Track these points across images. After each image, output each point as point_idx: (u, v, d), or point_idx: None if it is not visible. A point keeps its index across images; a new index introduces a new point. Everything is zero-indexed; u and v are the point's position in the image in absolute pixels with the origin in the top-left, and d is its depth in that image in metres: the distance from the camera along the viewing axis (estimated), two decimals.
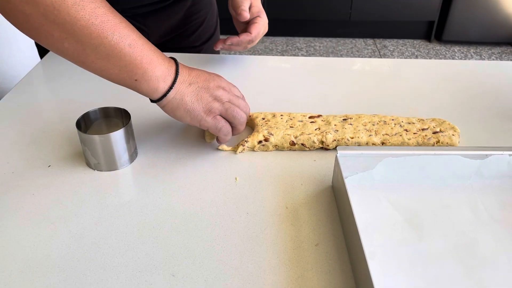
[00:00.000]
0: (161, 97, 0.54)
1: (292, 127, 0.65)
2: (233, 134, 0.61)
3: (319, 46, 3.02)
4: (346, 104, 0.74)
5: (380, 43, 3.09)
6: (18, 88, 0.78)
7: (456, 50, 2.98)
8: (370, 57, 2.86)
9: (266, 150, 0.64)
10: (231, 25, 0.81)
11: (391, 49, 3.02)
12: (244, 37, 0.76)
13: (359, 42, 3.09)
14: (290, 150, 0.64)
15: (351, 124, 0.66)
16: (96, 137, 0.55)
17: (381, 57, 2.84)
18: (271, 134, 0.63)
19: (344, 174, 0.53)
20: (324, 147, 0.63)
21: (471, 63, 0.91)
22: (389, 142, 0.63)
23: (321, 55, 2.87)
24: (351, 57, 0.77)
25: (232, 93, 0.60)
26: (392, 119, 0.67)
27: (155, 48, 0.55)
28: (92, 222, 0.51)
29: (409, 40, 3.13)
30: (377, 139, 0.63)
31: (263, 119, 0.67)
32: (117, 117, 0.61)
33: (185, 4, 0.91)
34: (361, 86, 0.80)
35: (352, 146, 0.56)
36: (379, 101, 0.75)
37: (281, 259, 0.47)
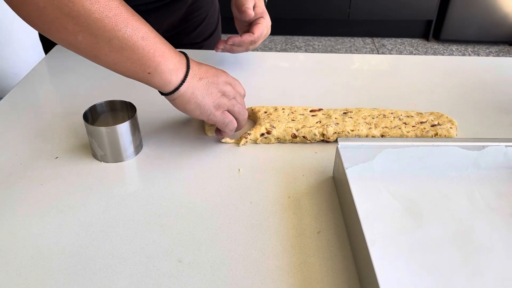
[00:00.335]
0: (173, 91, 0.55)
1: (293, 120, 0.66)
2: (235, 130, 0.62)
3: (318, 45, 3.03)
4: (346, 99, 0.75)
5: (379, 42, 3.11)
6: (24, 83, 0.79)
7: (454, 49, 2.99)
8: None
9: (268, 143, 0.65)
10: (232, 24, 0.81)
11: (389, 48, 3.03)
12: (246, 37, 0.74)
13: (358, 41, 3.11)
14: (291, 142, 0.65)
15: (351, 117, 0.67)
16: (103, 129, 0.57)
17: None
18: (273, 127, 0.65)
19: (345, 164, 0.55)
20: (325, 140, 0.65)
21: (468, 59, 0.93)
22: (388, 135, 0.64)
23: None
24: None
25: (236, 89, 0.61)
26: (391, 113, 0.68)
27: (166, 41, 0.55)
28: (100, 211, 0.52)
29: (407, 39, 3.15)
30: (376, 132, 0.65)
31: (265, 112, 0.68)
32: (123, 110, 0.63)
33: (186, 1, 0.92)
34: (360, 81, 0.82)
35: (353, 138, 0.58)
36: (378, 96, 0.76)
37: (284, 246, 0.49)
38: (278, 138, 0.65)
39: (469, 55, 2.94)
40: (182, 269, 0.46)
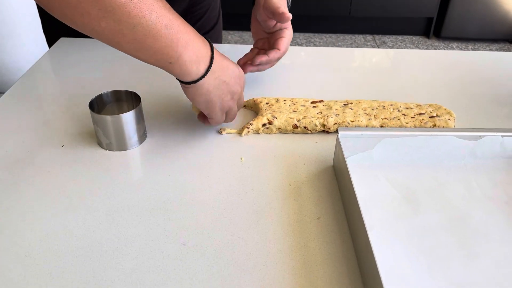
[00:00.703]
0: (190, 82, 0.55)
1: (295, 111, 0.68)
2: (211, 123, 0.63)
3: (319, 42, 3.04)
4: (347, 91, 0.76)
5: (380, 39, 3.12)
6: (28, 75, 0.80)
7: (454, 47, 3.01)
8: None
9: (270, 133, 0.66)
10: (231, 20, 0.81)
11: (390, 45, 3.04)
12: (273, 55, 0.70)
13: (359, 38, 3.12)
14: (293, 133, 0.66)
15: (351, 108, 0.68)
16: (108, 118, 0.58)
17: None
18: (274, 117, 0.66)
19: (345, 153, 0.56)
20: (325, 130, 0.66)
21: (467, 53, 0.94)
22: (388, 126, 0.66)
23: None
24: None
25: (242, 85, 0.62)
26: (391, 104, 0.70)
27: (191, 28, 0.53)
28: (106, 197, 0.54)
29: (408, 37, 3.16)
30: (376, 123, 0.66)
31: (267, 103, 0.70)
32: (128, 100, 0.64)
33: None
34: (361, 74, 0.83)
35: (353, 128, 0.59)
36: (378, 89, 0.78)
37: (285, 230, 0.50)
38: (280, 128, 0.66)
39: None
40: (186, 252, 0.47)
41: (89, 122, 0.66)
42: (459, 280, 0.44)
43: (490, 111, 0.72)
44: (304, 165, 0.60)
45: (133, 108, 0.60)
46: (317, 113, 0.67)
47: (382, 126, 0.66)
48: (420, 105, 0.70)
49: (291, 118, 0.66)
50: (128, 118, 0.59)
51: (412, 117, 0.67)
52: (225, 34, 3.03)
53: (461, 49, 2.97)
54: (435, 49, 2.98)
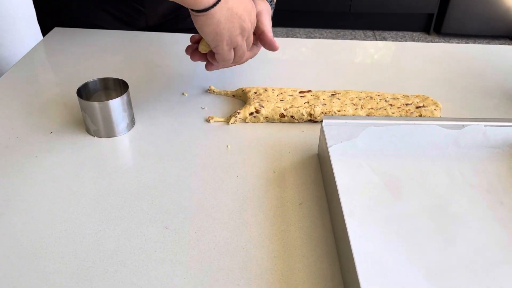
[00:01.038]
0: (201, 10, 0.53)
1: (282, 100, 0.68)
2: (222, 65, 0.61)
3: (319, 37, 3.04)
4: (337, 83, 0.77)
5: (380, 35, 3.11)
6: (21, 63, 0.81)
7: (454, 43, 3.00)
8: None
9: (257, 122, 0.67)
10: None
11: (391, 41, 3.04)
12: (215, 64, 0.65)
13: (359, 34, 3.12)
14: (280, 122, 0.67)
15: (338, 99, 0.69)
16: (96, 104, 0.59)
17: None
18: (262, 106, 0.67)
19: (329, 141, 0.57)
20: (312, 120, 0.67)
21: (457, 46, 0.94)
22: (374, 116, 0.66)
23: None
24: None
25: (252, 21, 0.60)
26: (378, 95, 0.70)
27: None
28: (92, 181, 0.55)
29: (408, 33, 3.16)
30: (362, 113, 0.66)
31: (255, 93, 0.70)
32: (116, 88, 0.64)
33: None
34: (351, 66, 0.84)
35: (337, 116, 0.60)
36: (369, 80, 0.78)
37: (266, 215, 0.51)
38: (267, 117, 0.67)
39: None
40: (168, 235, 0.48)
41: (78, 109, 0.67)
42: (435, 264, 0.45)
43: (478, 102, 0.72)
44: (289, 153, 0.61)
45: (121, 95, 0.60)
46: (305, 103, 0.68)
47: (368, 116, 0.66)
48: (408, 96, 0.70)
49: (278, 107, 0.67)
50: (115, 105, 0.60)
51: (398, 107, 0.67)
52: None
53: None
54: None
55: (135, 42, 0.88)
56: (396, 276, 0.43)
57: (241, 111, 0.66)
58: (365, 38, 3.06)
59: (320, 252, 0.46)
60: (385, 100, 0.69)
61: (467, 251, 0.46)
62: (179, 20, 0.97)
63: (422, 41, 3.01)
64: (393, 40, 3.02)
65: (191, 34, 0.68)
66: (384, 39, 3.05)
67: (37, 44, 0.87)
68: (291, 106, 0.67)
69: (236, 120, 0.66)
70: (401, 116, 0.66)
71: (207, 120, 0.66)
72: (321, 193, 0.54)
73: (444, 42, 3.00)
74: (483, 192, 0.54)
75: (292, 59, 0.86)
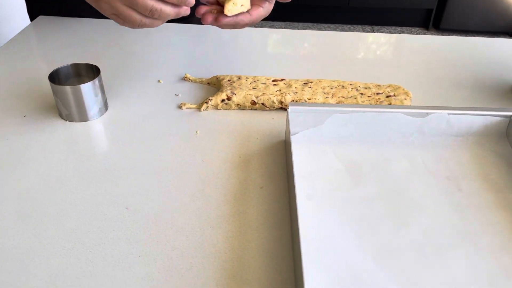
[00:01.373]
0: None
1: (255, 88, 0.69)
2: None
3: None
4: (314, 72, 0.78)
5: (378, 30, 3.11)
6: (2, 50, 0.82)
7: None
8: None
9: (229, 109, 0.68)
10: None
11: None
12: (242, 19, 0.62)
13: (357, 29, 3.11)
14: (251, 109, 0.68)
15: (310, 87, 0.70)
16: (67, 88, 0.60)
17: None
18: (233, 93, 0.68)
19: (294, 127, 0.58)
20: (283, 107, 0.68)
21: (433, 38, 0.95)
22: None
23: None
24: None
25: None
26: (350, 84, 0.71)
27: None
28: (58, 163, 0.56)
29: (407, 28, 3.15)
30: (332, 101, 0.67)
31: (229, 80, 0.71)
32: (89, 74, 0.65)
33: None
34: (329, 56, 0.84)
35: (303, 103, 0.60)
36: (345, 70, 0.79)
37: (226, 198, 0.52)
38: (238, 104, 0.68)
39: None
40: (127, 215, 0.49)
41: (52, 95, 0.68)
42: (384, 246, 0.45)
43: (451, 93, 0.73)
44: (257, 140, 0.62)
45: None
46: (276, 91, 0.69)
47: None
48: (379, 85, 0.71)
49: (249, 94, 0.68)
50: (86, 89, 0.61)
51: (369, 96, 0.68)
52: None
53: None
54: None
55: (115, 31, 0.89)
56: (342, 257, 0.44)
57: (213, 98, 0.67)
58: (364, 33, 3.05)
59: (275, 233, 0.47)
60: (357, 89, 0.70)
61: (417, 234, 0.47)
62: None
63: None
64: None
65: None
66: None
67: (18, 33, 0.89)
68: (263, 94, 0.68)
69: (207, 107, 0.67)
70: (370, 104, 0.67)
71: (180, 107, 0.68)
72: (283, 177, 0.55)
73: None
74: (442, 178, 0.55)
75: (270, 48, 0.87)
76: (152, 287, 0.42)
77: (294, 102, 0.60)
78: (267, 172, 0.56)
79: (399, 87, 0.71)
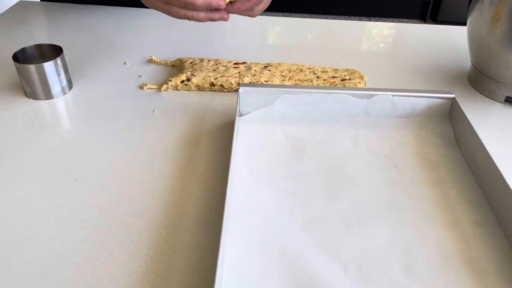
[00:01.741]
0: None
1: (215, 70, 0.72)
2: None
3: None
4: (281, 58, 0.80)
5: (376, 22, 3.11)
6: None
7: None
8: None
9: (189, 90, 0.70)
10: None
11: None
12: (239, 5, 0.64)
13: (355, 20, 3.12)
14: (210, 90, 0.71)
15: (269, 70, 0.72)
16: (31, 67, 0.63)
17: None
18: (193, 75, 0.70)
19: (244, 107, 0.60)
20: None
21: (397, 25, 0.97)
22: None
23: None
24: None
25: None
26: (309, 68, 0.73)
27: None
28: (16, 138, 0.59)
29: (404, 20, 3.15)
30: (288, 84, 0.70)
31: (191, 63, 0.74)
32: (53, 54, 0.68)
33: None
34: (297, 43, 0.86)
35: (254, 84, 0.63)
36: (312, 56, 0.81)
37: (172, 171, 0.54)
38: (198, 85, 0.70)
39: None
40: (75, 186, 0.52)
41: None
42: (312, 217, 0.48)
43: (407, 77, 0.75)
44: (210, 118, 0.64)
45: None
46: (236, 73, 0.71)
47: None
48: (337, 70, 0.73)
49: (209, 76, 0.70)
50: (49, 68, 0.64)
51: (324, 80, 0.70)
52: None
53: None
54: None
55: (90, 17, 0.92)
56: (268, 224, 0.47)
57: (173, 79, 0.70)
58: None
59: (212, 203, 0.50)
60: (314, 73, 0.72)
61: (346, 206, 0.50)
62: None
63: None
64: None
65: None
66: None
67: None
68: (222, 76, 0.70)
69: (168, 88, 0.70)
70: (319, 86, 0.69)
71: (141, 87, 0.70)
72: (230, 154, 0.58)
73: None
74: (381, 156, 0.57)
75: (239, 33, 0.89)
76: (88, 249, 0.45)
77: (246, 83, 0.62)
78: (216, 149, 0.58)
79: (356, 71, 0.73)
